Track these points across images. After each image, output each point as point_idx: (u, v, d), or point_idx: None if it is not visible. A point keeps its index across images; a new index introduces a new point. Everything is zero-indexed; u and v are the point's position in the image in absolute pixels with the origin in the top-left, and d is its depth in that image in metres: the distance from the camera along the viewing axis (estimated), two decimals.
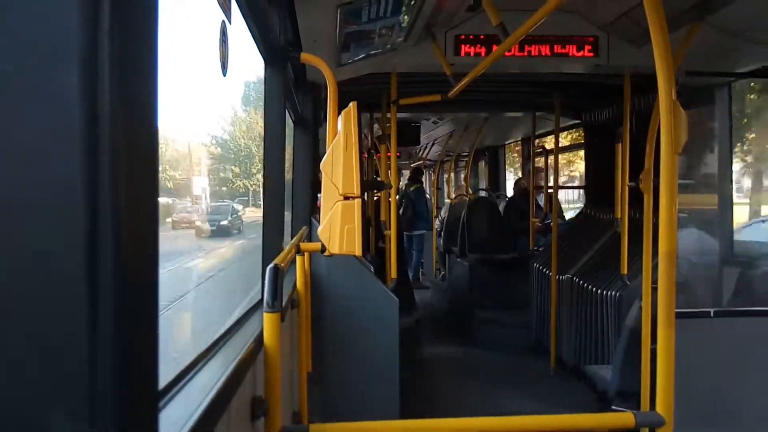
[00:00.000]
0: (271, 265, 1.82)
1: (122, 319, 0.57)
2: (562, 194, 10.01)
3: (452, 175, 12.81)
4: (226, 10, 2.00)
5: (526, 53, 4.17)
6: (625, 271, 4.74)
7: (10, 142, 0.57)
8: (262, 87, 2.88)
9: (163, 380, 1.40)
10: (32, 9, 0.57)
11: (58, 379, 0.56)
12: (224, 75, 2.52)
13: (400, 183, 11.42)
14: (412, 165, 13.78)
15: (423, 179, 11.42)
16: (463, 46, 4.18)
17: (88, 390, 0.56)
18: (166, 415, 1.22)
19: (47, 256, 0.56)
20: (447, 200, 11.28)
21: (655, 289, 2.22)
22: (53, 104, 0.57)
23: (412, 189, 10.97)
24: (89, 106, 0.56)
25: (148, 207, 0.65)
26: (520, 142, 10.37)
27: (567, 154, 12.61)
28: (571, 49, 4.17)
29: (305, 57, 3.00)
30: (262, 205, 3.00)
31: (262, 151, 2.88)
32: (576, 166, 17.33)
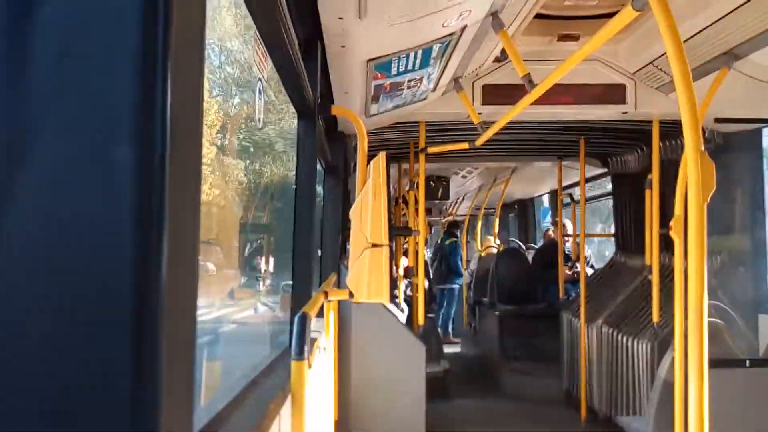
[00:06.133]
0: (299, 314, 1.83)
1: (163, 362, 0.57)
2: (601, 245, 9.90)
3: (479, 227, 12.81)
4: (263, 70, 2.07)
5: (552, 102, 4.20)
6: (657, 320, 4.66)
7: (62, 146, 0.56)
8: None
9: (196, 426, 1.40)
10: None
11: (100, 411, 0.55)
12: (260, 128, 2.60)
13: (431, 233, 11.42)
14: (443, 220, 13.80)
15: (458, 233, 11.47)
16: (490, 96, 4.24)
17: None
18: None
19: (94, 296, 0.56)
20: (476, 252, 11.25)
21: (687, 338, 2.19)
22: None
23: (447, 243, 10.98)
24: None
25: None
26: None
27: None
28: (598, 98, 4.19)
29: (336, 109, 3.07)
30: (292, 252, 3.02)
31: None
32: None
